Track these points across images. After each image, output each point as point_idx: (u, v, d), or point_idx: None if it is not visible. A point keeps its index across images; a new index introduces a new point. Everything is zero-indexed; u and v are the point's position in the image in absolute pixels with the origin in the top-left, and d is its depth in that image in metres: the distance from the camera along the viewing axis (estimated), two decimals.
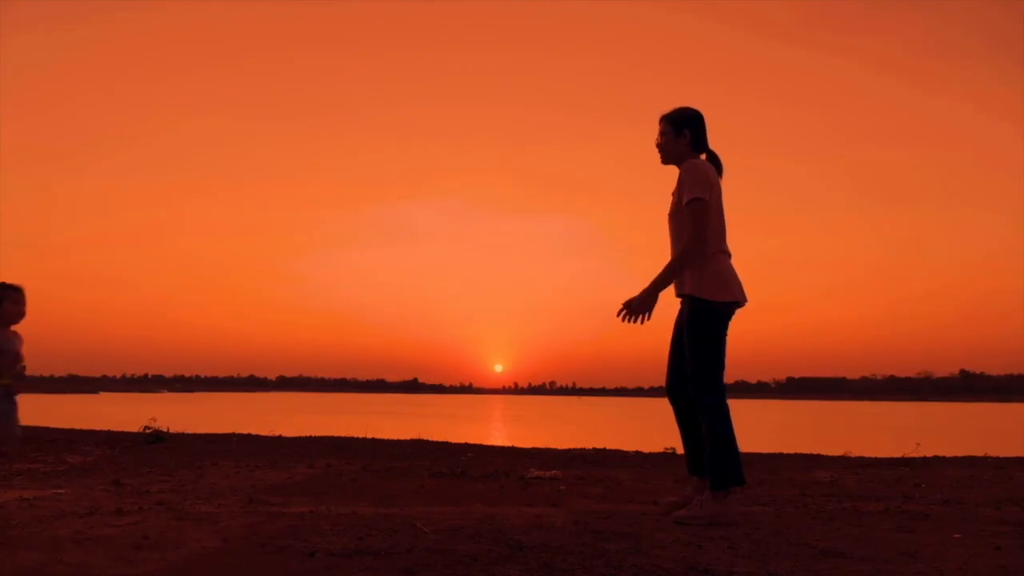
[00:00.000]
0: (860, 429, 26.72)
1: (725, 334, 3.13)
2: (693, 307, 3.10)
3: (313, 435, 9.09)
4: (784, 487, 4.49)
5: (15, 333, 3.38)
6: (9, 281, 3.37)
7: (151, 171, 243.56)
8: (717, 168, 3.25)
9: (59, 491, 3.86)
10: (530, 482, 4.60)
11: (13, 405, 3.38)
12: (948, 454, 7.48)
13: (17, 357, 3.36)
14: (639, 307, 3.09)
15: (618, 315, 3.12)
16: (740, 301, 3.12)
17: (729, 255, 3.18)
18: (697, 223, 3.05)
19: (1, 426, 3.32)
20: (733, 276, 3.13)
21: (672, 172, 3.27)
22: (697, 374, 3.09)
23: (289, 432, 9.68)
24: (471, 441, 9.17)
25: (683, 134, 3.21)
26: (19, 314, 3.35)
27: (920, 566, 2.31)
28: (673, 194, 3.25)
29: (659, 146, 3.28)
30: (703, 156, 3.25)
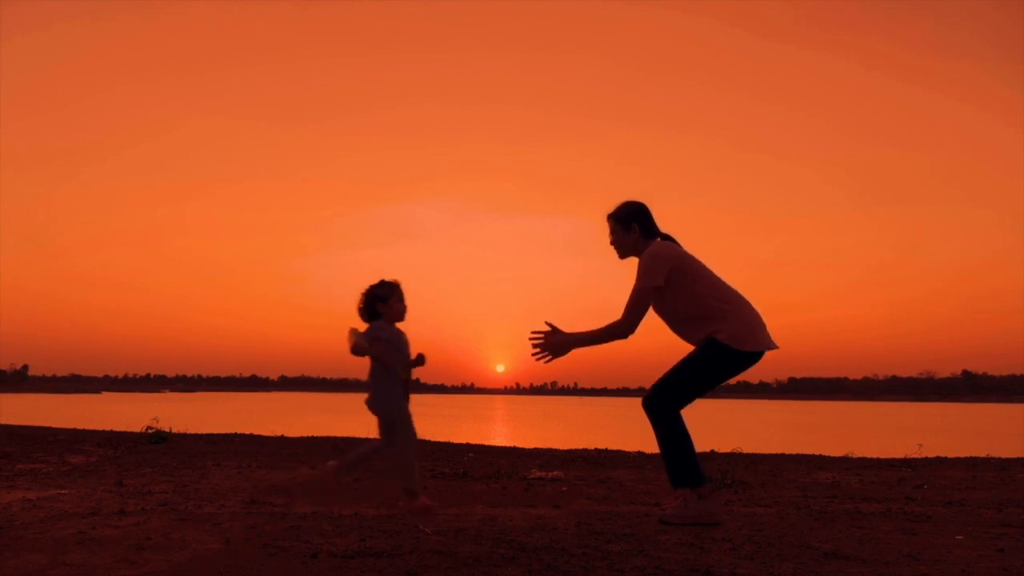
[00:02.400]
0: (862, 430, 26.70)
1: (726, 378, 3.12)
2: (716, 346, 3.07)
3: (315, 435, 9.11)
4: (786, 488, 4.49)
5: (401, 330, 3.41)
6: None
7: (153, 171, 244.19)
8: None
9: (62, 492, 3.87)
10: (532, 483, 4.60)
11: (408, 401, 3.40)
12: (950, 455, 7.49)
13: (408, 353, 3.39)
14: (554, 349, 3.20)
15: (533, 343, 3.22)
16: (767, 348, 3.10)
17: (744, 299, 3.15)
18: (631, 308, 3.14)
19: (404, 428, 3.32)
20: (761, 325, 3.11)
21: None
22: (667, 391, 3.08)
23: (291, 432, 9.70)
24: (472, 442, 9.19)
25: (632, 228, 3.28)
26: (404, 310, 3.42)
27: (922, 568, 2.31)
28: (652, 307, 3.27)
29: (612, 244, 3.36)
30: (657, 239, 3.28)
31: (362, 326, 3.36)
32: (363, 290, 3.43)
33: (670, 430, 3.07)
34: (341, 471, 3.42)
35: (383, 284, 3.43)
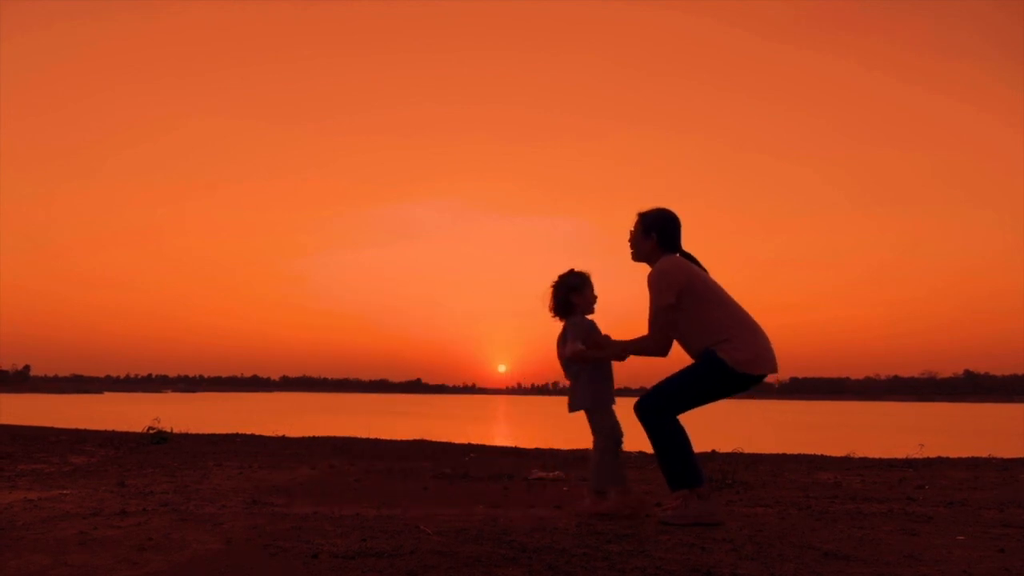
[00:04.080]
0: (863, 430, 26.69)
1: (722, 396, 3.11)
2: (716, 362, 3.05)
3: (316, 435, 9.12)
4: (787, 488, 4.49)
5: (593, 321, 3.37)
6: None
7: (153, 171, 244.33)
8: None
9: (64, 492, 3.87)
10: (533, 483, 4.61)
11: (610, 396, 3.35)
12: (952, 455, 7.48)
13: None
14: (583, 359, 3.26)
15: (567, 354, 3.26)
16: (767, 372, 3.10)
17: (753, 322, 3.14)
18: (655, 330, 3.14)
19: (597, 422, 3.29)
20: (766, 349, 3.10)
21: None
22: (661, 398, 3.07)
23: (292, 433, 9.71)
24: (474, 442, 9.19)
25: (650, 236, 3.25)
26: (595, 299, 3.39)
27: (923, 569, 2.31)
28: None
29: (630, 242, 3.34)
30: (675, 255, 3.26)
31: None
32: (552, 283, 3.37)
33: (663, 432, 3.06)
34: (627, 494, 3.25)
35: (573, 274, 3.38)
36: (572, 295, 3.34)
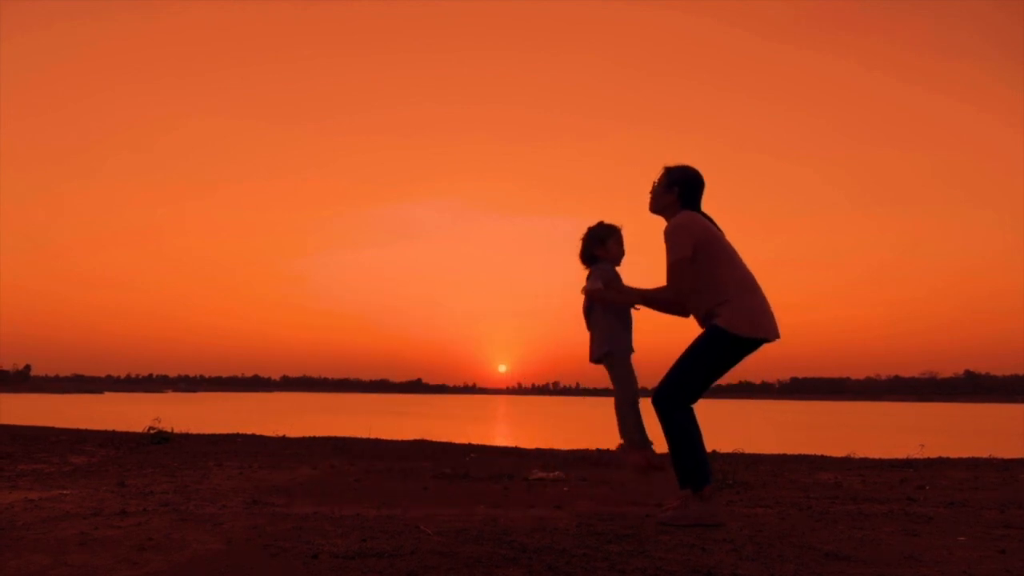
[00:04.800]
0: (864, 430, 26.68)
1: (730, 365, 3.11)
2: (714, 332, 3.08)
3: (316, 435, 9.11)
4: (788, 489, 4.48)
5: (618, 272, 3.34)
6: None
7: (154, 172, 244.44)
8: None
9: (64, 492, 3.87)
10: (533, 484, 4.60)
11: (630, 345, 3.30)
12: (952, 455, 7.47)
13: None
14: (601, 296, 3.22)
15: (586, 291, 3.25)
16: (769, 338, 3.10)
17: (756, 285, 3.15)
18: (672, 282, 3.13)
19: (618, 370, 3.25)
20: (764, 312, 3.10)
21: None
22: (671, 391, 3.08)
23: (293, 432, 9.70)
24: (474, 442, 9.18)
25: (672, 190, 3.25)
26: (622, 254, 3.37)
27: (924, 570, 2.31)
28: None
29: (651, 192, 3.33)
30: (694, 212, 3.25)
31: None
32: (583, 234, 3.37)
33: (678, 427, 3.06)
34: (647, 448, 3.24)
35: (601, 226, 3.36)
36: (596, 248, 3.34)
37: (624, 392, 3.24)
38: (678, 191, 3.23)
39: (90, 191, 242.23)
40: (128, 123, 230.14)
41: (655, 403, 3.10)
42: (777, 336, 3.12)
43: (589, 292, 3.26)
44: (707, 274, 3.10)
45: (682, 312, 3.28)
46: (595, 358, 3.31)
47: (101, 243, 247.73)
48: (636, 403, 3.24)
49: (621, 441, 3.28)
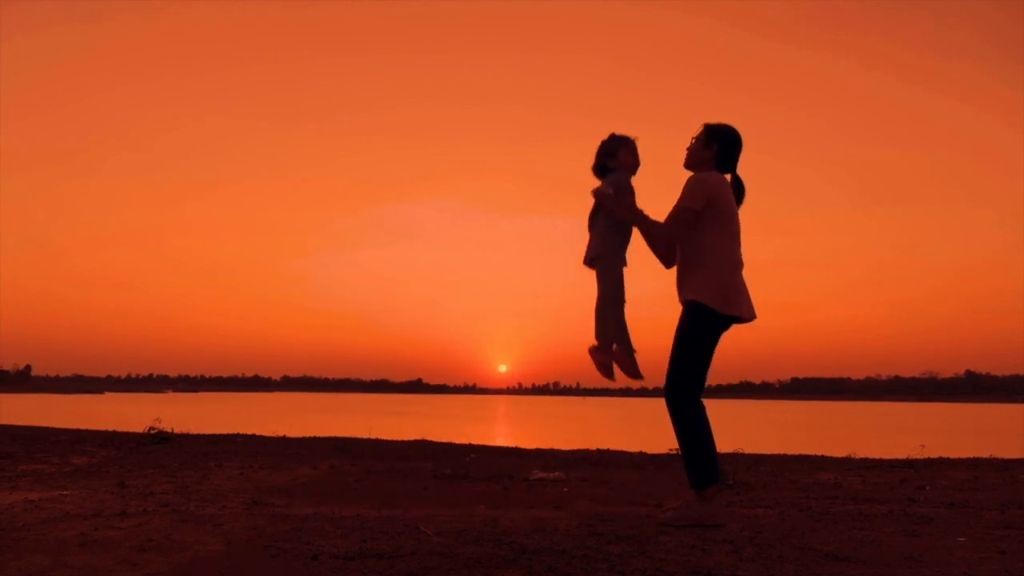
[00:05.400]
0: (864, 430, 26.67)
1: (714, 342, 3.11)
2: (689, 309, 3.10)
3: (316, 436, 9.11)
4: (788, 489, 4.48)
5: (632, 186, 3.30)
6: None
7: (155, 172, 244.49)
8: (739, 193, 3.25)
9: (64, 493, 3.87)
10: (533, 484, 4.60)
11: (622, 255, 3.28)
12: (953, 455, 7.47)
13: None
14: (608, 202, 3.20)
15: (594, 191, 3.24)
16: (743, 317, 3.10)
17: (740, 265, 3.16)
18: (670, 223, 3.13)
19: (604, 275, 3.24)
20: (739, 290, 3.10)
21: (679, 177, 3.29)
22: (675, 379, 3.08)
23: (293, 433, 9.70)
24: (475, 442, 9.18)
25: (711, 147, 3.22)
26: (636, 164, 3.32)
27: (924, 570, 2.31)
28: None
29: (688, 148, 3.29)
30: (727, 176, 3.25)
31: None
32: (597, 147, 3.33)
33: (686, 423, 3.06)
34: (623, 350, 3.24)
35: (613, 138, 3.33)
36: (608, 160, 3.31)
37: (606, 293, 3.22)
38: (716, 148, 3.21)
39: (90, 191, 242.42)
40: (128, 123, 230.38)
41: (667, 401, 3.10)
42: (752, 316, 3.11)
43: (597, 195, 3.22)
44: (704, 235, 3.09)
45: (666, 259, 3.26)
46: (587, 260, 3.28)
47: (101, 243, 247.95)
48: (617, 305, 3.22)
49: (596, 342, 3.23)
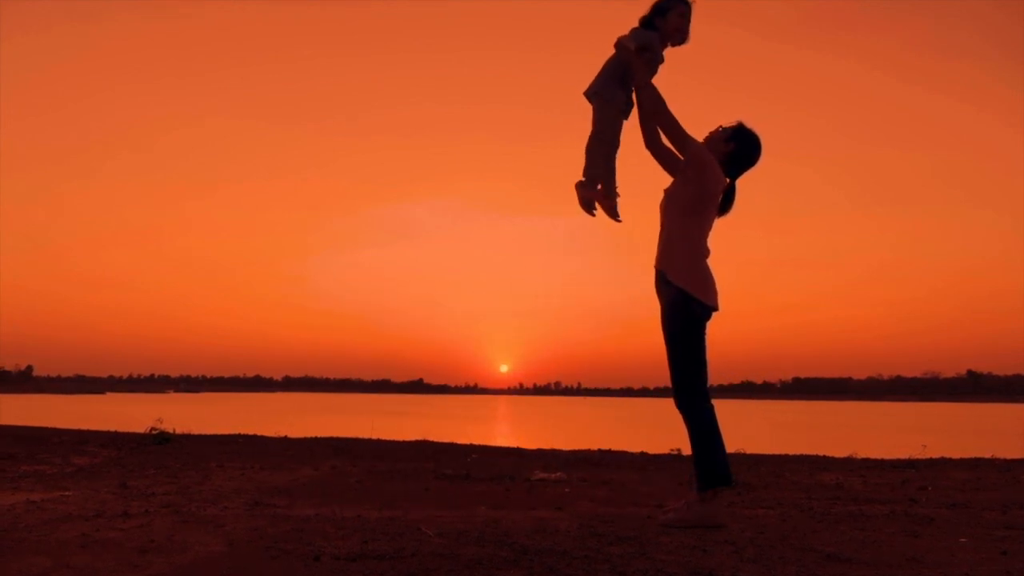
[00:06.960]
0: (866, 430, 26.64)
1: (704, 334, 3.12)
2: (674, 302, 3.08)
3: (318, 436, 9.12)
4: (789, 490, 4.48)
5: (663, 56, 3.21)
6: None
7: (155, 172, 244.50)
8: (727, 201, 3.26)
9: (66, 493, 3.88)
10: (534, 485, 4.60)
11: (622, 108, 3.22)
12: (954, 456, 7.46)
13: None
14: (626, 55, 3.15)
15: (620, 45, 3.18)
16: (717, 307, 3.12)
17: (708, 253, 3.18)
18: (666, 117, 3.13)
19: (598, 111, 3.20)
20: (713, 282, 3.14)
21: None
22: (681, 381, 3.08)
23: (294, 433, 9.70)
24: (476, 442, 9.18)
25: (730, 144, 3.21)
26: (680, 32, 3.18)
27: (925, 571, 2.31)
28: (664, 190, 3.27)
29: (712, 132, 3.27)
30: (727, 180, 3.25)
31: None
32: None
33: (696, 425, 3.07)
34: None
35: None
36: (655, 17, 3.19)
37: (597, 129, 3.19)
38: (734, 148, 3.21)
39: (90, 191, 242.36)
40: (128, 123, 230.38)
41: (679, 406, 3.11)
42: (712, 304, 3.12)
43: (618, 45, 3.16)
44: (688, 223, 3.12)
45: (646, 137, 3.27)
46: (587, 92, 3.23)
47: (101, 243, 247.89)
48: (608, 147, 3.19)
49: (582, 178, 3.20)
